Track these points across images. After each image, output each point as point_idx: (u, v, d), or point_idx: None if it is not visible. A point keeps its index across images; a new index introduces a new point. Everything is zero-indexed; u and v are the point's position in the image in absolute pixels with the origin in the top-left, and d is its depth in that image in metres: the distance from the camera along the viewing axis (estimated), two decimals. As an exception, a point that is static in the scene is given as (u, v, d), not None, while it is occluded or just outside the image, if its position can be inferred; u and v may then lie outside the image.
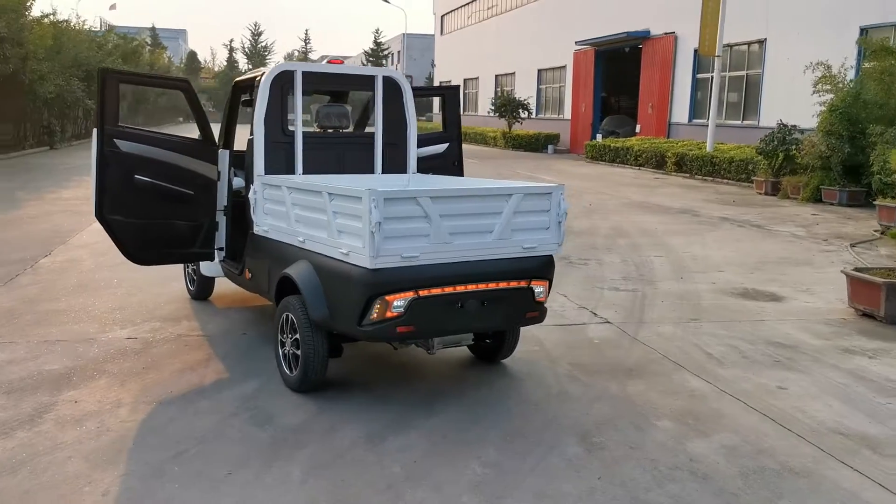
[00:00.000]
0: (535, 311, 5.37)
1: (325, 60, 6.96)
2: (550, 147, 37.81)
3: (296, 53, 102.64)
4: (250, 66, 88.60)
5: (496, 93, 43.37)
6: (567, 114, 40.40)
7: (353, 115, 7.25)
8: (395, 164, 6.75)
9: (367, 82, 6.66)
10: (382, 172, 6.67)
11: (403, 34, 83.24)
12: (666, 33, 31.79)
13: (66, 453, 4.34)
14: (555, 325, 7.21)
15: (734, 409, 5.28)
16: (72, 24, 34.62)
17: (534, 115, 42.80)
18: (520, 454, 4.50)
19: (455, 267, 4.97)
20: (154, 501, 3.86)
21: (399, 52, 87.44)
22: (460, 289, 4.99)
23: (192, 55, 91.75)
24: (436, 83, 65.91)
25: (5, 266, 9.19)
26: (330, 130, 6.73)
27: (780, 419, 5.12)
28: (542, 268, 5.33)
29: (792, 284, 9.22)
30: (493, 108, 41.27)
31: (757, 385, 5.77)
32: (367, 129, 7.12)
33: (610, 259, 10.59)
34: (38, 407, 5.00)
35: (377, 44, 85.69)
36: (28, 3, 27.66)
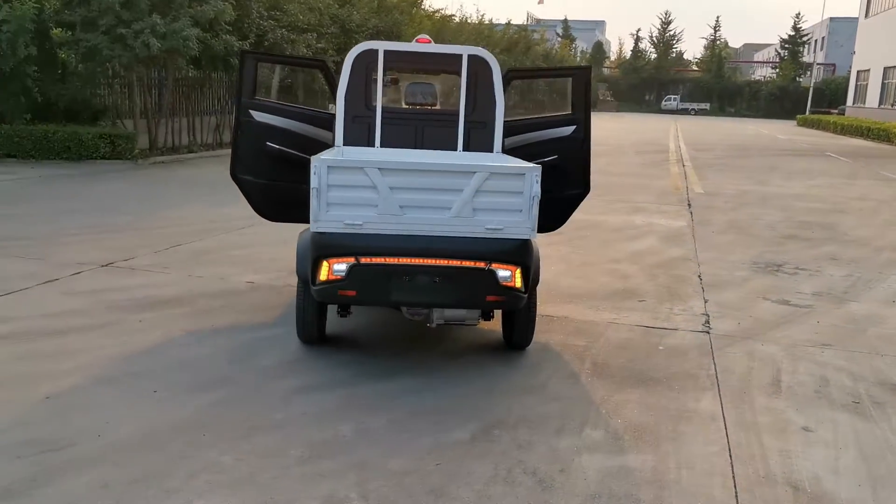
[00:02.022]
0: (498, 296, 5.16)
1: (415, 39, 7.21)
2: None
3: (717, 42, 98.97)
4: (655, 56, 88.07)
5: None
6: None
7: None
8: (481, 143, 6.79)
9: (453, 61, 6.79)
10: (465, 150, 6.77)
11: (828, 18, 75.93)
12: None
13: (33, 347, 5.41)
14: (640, 326, 6.68)
15: (698, 439, 4.56)
16: (457, 17, 38.14)
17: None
18: (402, 430, 4.50)
19: (403, 239, 5.03)
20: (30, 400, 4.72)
21: (822, 38, 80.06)
22: (405, 261, 5.04)
23: (598, 45, 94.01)
24: (852, 72, 59.35)
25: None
26: (417, 107, 7.00)
27: (742, 458, 4.33)
28: (510, 252, 5.10)
29: None
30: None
31: (779, 421, 4.86)
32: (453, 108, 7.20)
33: (832, 272, 9.12)
34: (106, 321, 6.20)
35: (796, 30, 79.22)
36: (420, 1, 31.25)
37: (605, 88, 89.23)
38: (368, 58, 6.65)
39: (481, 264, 5.08)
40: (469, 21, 41.89)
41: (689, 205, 14.47)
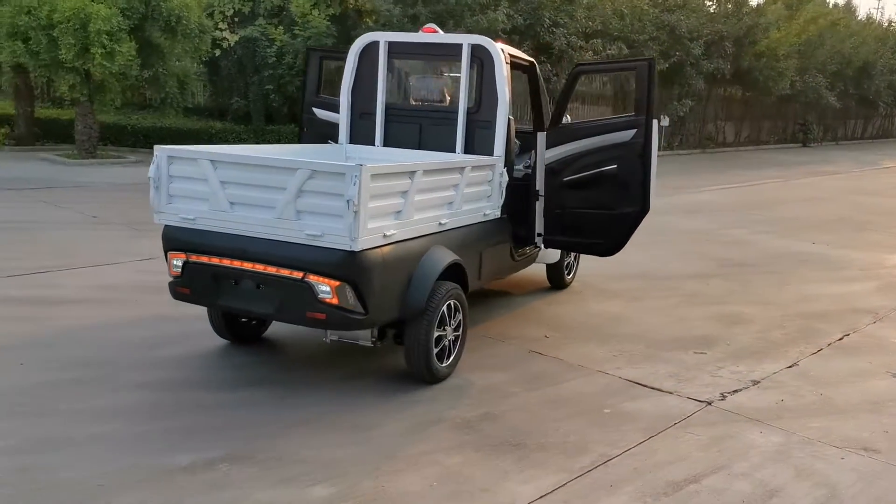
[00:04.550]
0: (318, 313, 4.43)
1: (421, 29, 6.41)
2: None
3: None
4: None
5: None
6: None
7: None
8: (484, 144, 5.92)
9: (453, 51, 5.99)
10: (466, 152, 5.96)
11: None
12: None
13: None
14: (628, 382, 5.26)
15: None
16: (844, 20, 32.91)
17: None
18: (144, 442, 4.11)
19: (228, 238, 4.59)
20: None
21: None
22: (227, 262, 4.60)
23: None
24: None
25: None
26: (424, 103, 6.31)
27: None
28: (328, 263, 4.35)
29: None
30: None
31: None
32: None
33: None
34: (114, 298, 6.64)
35: None
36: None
37: None
38: (376, 50, 6.20)
39: (297, 274, 4.43)
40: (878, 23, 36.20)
41: None
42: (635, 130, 6.16)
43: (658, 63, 21.76)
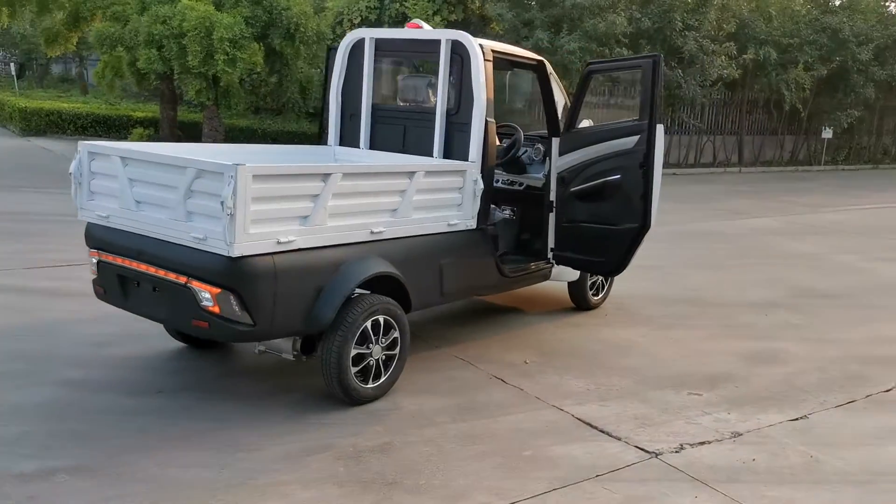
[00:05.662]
0: (202, 321, 4.14)
1: (406, 24, 5.89)
2: None
3: None
4: None
5: None
6: None
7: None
8: (462, 148, 5.44)
9: (433, 48, 5.52)
10: (445, 157, 5.50)
11: None
12: None
13: None
14: (579, 422, 4.59)
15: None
16: None
17: None
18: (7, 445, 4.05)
19: (129, 238, 4.41)
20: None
21: None
22: (127, 263, 4.41)
23: None
24: None
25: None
26: (410, 104, 5.87)
27: None
28: (208, 268, 4.04)
29: None
30: None
31: None
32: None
33: None
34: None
35: None
36: None
37: None
38: (362, 48, 5.88)
39: (181, 279, 4.16)
40: None
41: None
42: (638, 137, 5.45)
43: (816, 68, 19.87)
